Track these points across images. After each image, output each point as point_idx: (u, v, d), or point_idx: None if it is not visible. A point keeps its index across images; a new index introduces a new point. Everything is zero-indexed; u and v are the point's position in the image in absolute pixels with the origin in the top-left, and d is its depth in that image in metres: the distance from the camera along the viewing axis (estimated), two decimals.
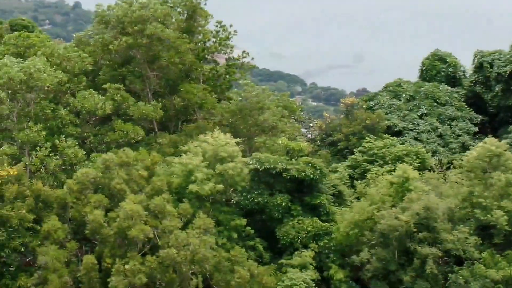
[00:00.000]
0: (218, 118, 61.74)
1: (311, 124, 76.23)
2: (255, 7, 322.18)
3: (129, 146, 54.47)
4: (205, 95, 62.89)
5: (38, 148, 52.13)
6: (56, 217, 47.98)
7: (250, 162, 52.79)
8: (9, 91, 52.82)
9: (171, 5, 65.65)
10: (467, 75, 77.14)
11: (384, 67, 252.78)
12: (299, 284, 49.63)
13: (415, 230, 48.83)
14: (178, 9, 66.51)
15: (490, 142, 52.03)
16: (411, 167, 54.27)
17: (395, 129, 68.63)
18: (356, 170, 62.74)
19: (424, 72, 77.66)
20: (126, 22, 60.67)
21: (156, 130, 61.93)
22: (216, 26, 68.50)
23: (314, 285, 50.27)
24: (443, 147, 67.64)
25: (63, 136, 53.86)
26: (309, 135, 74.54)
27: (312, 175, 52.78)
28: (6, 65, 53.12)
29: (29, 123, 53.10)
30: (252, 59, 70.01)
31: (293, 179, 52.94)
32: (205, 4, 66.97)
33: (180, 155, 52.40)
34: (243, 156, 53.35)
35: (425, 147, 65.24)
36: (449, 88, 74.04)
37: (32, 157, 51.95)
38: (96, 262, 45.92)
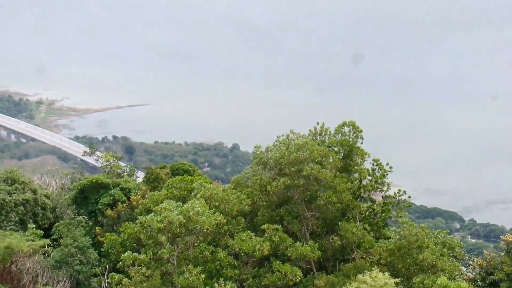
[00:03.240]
0: (376, 257, 60.72)
1: (471, 262, 73.80)
2: (411, 143, 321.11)
3: None
4: (363, 234, 62.29)
5: None
6: None
7: None
8: (169, 235, 53.99)
9: (328, 145, 66.27)
10: None
11: None
12: None
13: None
14: (335, 149, 66.93)
15: None
16: None
17: None
18: None
19: None
20: (284, 164, 61.51)
21: (314, 270, 61.49)
22: (372, 164, 68.24)
23: None
24: None
25: (222, 278, 54.26)
26: (470, 274, 71.98)
27: None
28: (166, 209, 54.50)
29: (189, 266, 53.84)
30: (409, 197, 68.97)
31: None
32: (361, 143, 67.20)
33: None
34: None
35: None
36: None
37: None
38: None
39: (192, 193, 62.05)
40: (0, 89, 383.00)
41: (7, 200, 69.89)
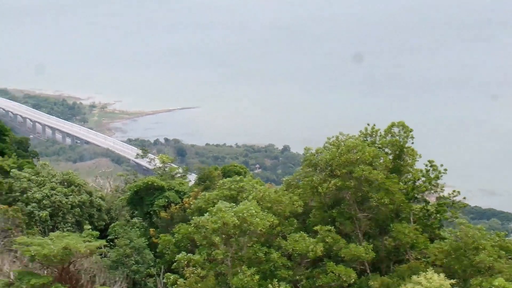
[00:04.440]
0: (432, 258, 60.32)
1: None
2: (462, 143, 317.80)
3: None
4: (416, 235, 61.94)
5: None
6: None
7: None
8: (224, 236, 54.27)
9: (379, 146, 66.03)
10: None
11: None
12: None
13: None
14: (386, 150, 66.62)
15: None
16: None
17: None
18: None
19: None
20: (335, 165, 61.42)
21: (368, 271, 61.31)
22: (426, 165, 67.68)
23: None
24: None
25: (276, 279, 54.39)
26: None
27: None
28: (221, 210, 54.75)
29: (243, 267, 54.05)
30: (464, 198, 68.33)
31: None
32: (412, 143, 66.75)
33: None
34: None
35: None
36: None
37: None
38: None
39: (244, 194, 62.24)
40: (55, 93, 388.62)
41: (64, 202, 71.25)
